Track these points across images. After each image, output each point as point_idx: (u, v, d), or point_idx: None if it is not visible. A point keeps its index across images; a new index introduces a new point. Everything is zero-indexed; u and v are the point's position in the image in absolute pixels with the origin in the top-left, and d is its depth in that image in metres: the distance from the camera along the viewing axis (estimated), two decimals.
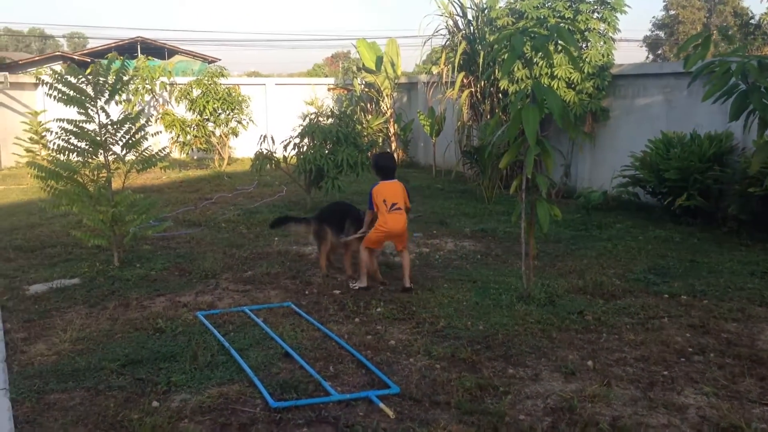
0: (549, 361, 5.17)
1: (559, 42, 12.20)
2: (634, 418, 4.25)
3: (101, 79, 7.65)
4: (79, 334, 5.76)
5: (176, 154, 17.33)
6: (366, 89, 18.73)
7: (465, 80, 14.47)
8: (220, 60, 38.15)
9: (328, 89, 19.85)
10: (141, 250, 8.65)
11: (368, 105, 19.15)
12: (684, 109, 11.70)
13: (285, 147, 11.45)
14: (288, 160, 11.60)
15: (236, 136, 17.14)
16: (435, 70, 21.14)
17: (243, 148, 19.32)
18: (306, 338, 5.68)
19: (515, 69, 13.02)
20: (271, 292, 7.11)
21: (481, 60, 13.85)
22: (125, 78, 7.99)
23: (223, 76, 17.04)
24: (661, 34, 65.85)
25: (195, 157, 18.84)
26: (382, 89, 18.23)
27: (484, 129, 12.90)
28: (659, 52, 64.41)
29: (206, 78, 16.56)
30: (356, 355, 5.25)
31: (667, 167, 10.52)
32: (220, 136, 17.13)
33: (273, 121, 20.23)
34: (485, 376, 4.88)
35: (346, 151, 10.75)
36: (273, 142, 11.32)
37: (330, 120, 11.80)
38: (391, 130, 18.20)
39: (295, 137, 11.38)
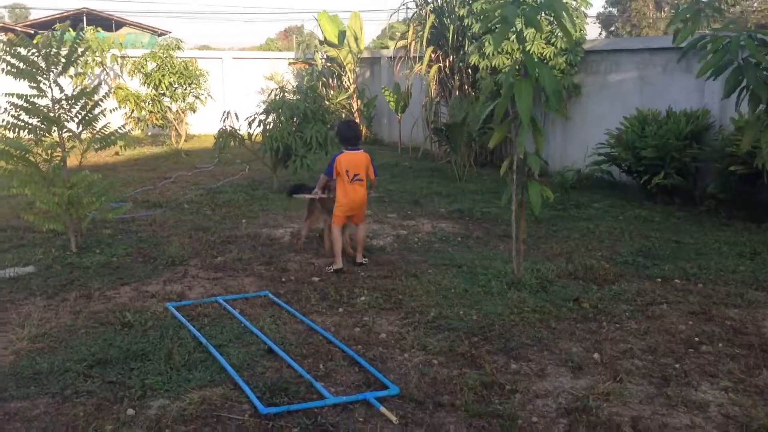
0: (552, 354, 4.85)
1: (544, 14, 11.92)
2: (656, 419, 3.95)
3: (54, 50, 7.03)
4: (38, 330, 5.23)
5: (131, 129, 16.56)
6: (328, 64, 18.17)
7: (433, 55, 14.03)
8: (170, 33, 37.02)
9: (289, 63, 19.22)
10: (100, 234, 8.07)
11: (329, 80, 18.59)
12: (658, 86, 11.48)
13: (249, 124, 10.91)
14: (253, 137, 11.06)
15: (194, 112, 16.46)
16: (392, 45, 20.71)
17: (199, 124, 18.63)
18: (289, 332, 5.26)
19: (485, 44, 12.66)
20: (244, 279, 6.65)
21: (450, 34, 13.43)
22: (80, 49, 7.37)
23: (179, 48, 16.28)
24: (614, 10, 66.19)
25: (149, 134, 18.07)
26: (345, 64, 17.68)
27: (454, 105, 12.52)
28: (612, 28, 64.76)
29: (161, 51, 15.80)
30: (348, 351, 4.85)
31: (644, 145, 10.29)
32: (177, 111, 16.43)
33: (231, 97, 19.54)
34: (488, 372, 4.53)
35: (315, 128, 10.27)
36: (237, 118, 10.76)
37: (296, 96, 11.27)
38: (354, 106, 17.70)
39: (260, 113, 10.84)
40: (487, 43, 12.59)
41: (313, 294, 6.17)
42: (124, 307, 5.74)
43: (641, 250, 7.58)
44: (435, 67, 13.83)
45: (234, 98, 19.52)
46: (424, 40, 13.71)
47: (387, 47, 20.23)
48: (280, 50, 33.73)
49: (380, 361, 4.74)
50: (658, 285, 6.39)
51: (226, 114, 10.71)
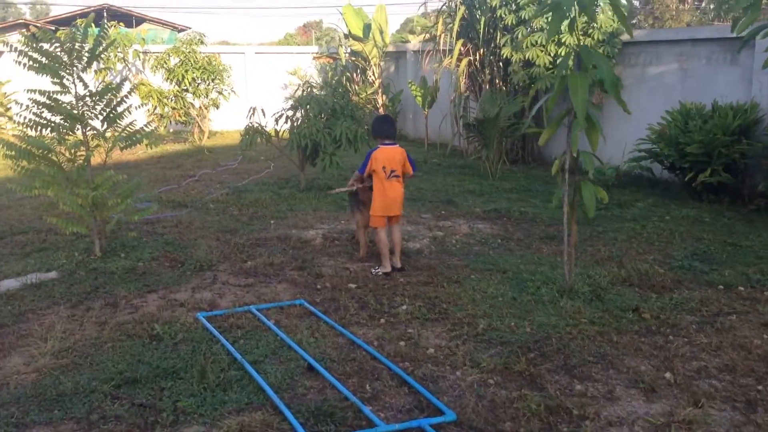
0: (619, 373, 4.43)
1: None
2: None
3: (78, 44, 6.69)
4: (61, 343, 4.90)
5: (152, 126, 16.26)
6: (353, 58, 17.76)
7: (462, 48, 13.58)
8: (190, 28, 36.78)
9: (313, 58, 18.84)
10: (125, 237, 7.74)
11: (354, 75, 18.19)
12: (701, 79, 10.98)
13: (276, 120, 10.54)
14: (280, 134, 10.69)
15: (217, 108, 16.13)
16: (413, 39, 20.25)
17: (222, 120, 18.32)
18: (330, 346, 4.88)
19: (518, 35, 12.20)
20: (277, 286, 6.28)
21: (481, 26, 12.97)
22: (104, 43, 7.03)
23: (202, 43, 15.95)
24: (636, 2, 65.17)
25: (171, 130, 17.77)
26: (370, 58, 17.28)
27: (486, 100, 12.08)
28: (634, 21, 63.80)
29: (184, 46, 15.47)
30: (396, 370, 4.46)
31: (688, 140, 9.81)
32: (200, 107, 16.10)
33: (253, 92, 19.20)
34: (551, 394, 4.13)
35: (344, 124, 9.88)
36: (263, 114, 10.39)
37: (323, 91, 10.89)
38: (380, 101, 17.29)
39: (287, 109, 10.46)
40: (520, 35, 12.15)
41: (351, 303, 5.79)
42: (152, 318, 5.39)
43: (696, 254, 7.13)
44: (465, 61, 13.39)
45: (257, 94, 19.16)
46: (454, 33, 13.26)
47: (407, 41, 19.79)
48: (299, 45, 33.38)
49: (431, 381, 4.35)
50: (721, 293, 5.94)
51: (252, 110, 10.35)
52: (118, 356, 4.70)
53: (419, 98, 15.84)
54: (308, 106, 9.98)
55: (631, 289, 6.04)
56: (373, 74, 17.52)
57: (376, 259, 7.03)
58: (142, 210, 7.30)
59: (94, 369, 4.51)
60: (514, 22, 12.23)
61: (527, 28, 12.24)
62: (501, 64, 13.37)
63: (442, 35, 13.94)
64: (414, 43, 18.55)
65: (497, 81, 13.43)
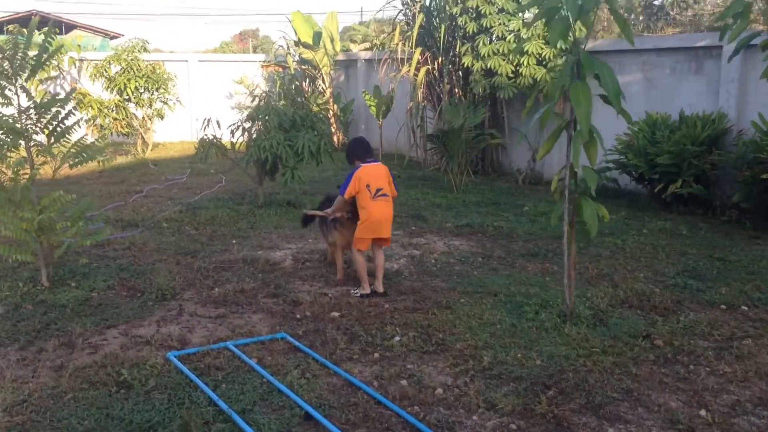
0: (650, 412, 4.04)
1: None
2: None
3: (21, 52, 6.01)
4: (14, 396, 4.24)
5: (91, 138, 15.36)
6: (303, 67, 17.21)
7: (421, 57, 13.20)
8: (122, 35, 35.54)
9: (262, 66, 18.19)
10: (74, 263, 7.03)
11: (303, 84, 17.64)
12: (666, 89, 10.84)
13: (232, 132, 9.93)
14: (236, 147, 10.07)
15: (162, 119, 15.36)
16: (354, 48, 19.81)
17: (164, 131, 17.48)
18: (325, 389, 4.36)
19: (479, 44, 11.88)
20: (252, 316, 5.72)
21: (441, 35, 12.61)
22: (50, 50, 6.36)
23: (145, 50, 15.16)
24: None
25: (110, 142, 16.85)
26: (320, 67, 16.76)
27: (449, 110, 11.70)
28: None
29: (126, 53, 14.66)
30: (407, 417, 3.96)
31: (658, 151, 9.62)
32: (143, 118, 15.30)
33: (197, 102, 18.44)
34: None
35: (306, 136, 9.34)
36: (219, 126, 9.77)
37: (282, 101, 10.34)
38: (331, 111, 16.78)
39: (244, 121, 9.87)
40: (481, 44, 11.82)
41: (338, 334, 5.27)
42: (117, 360, 4.76)
43: (686, 270, 6.86)
44: (423, 70, 13.00)
45: (201, 104, 18.45)
46: (414, 41, 12.86)
47: (348, 50, 19.33)
48: (235, 53, 32.54)
49: (447, 428, 3.87)
50: (727, 314, 5.64)
51: (206, 122, 9.72)
52: (83, 410, 4.07)
53: (373, 108, 15.38)
54: (267, 118, 9.40)
55: (632, 312, 5.69)
56: (324, 83, 17.00)
57: (354, 281, 6.54)
58: (93, 233, 6.62)
59: (55, 428, 3.88)
60: (475, 30, 11.90)
61: (489, 37, 11.93)
62: (460, 73, 13.04)
63: (399, 44, 13.51)
64: (365, 51, 18.13)
65: (456, 91, 13.09)
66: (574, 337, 5.09)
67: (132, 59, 14.45)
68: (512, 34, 11.68)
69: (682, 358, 4.78)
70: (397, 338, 5.17)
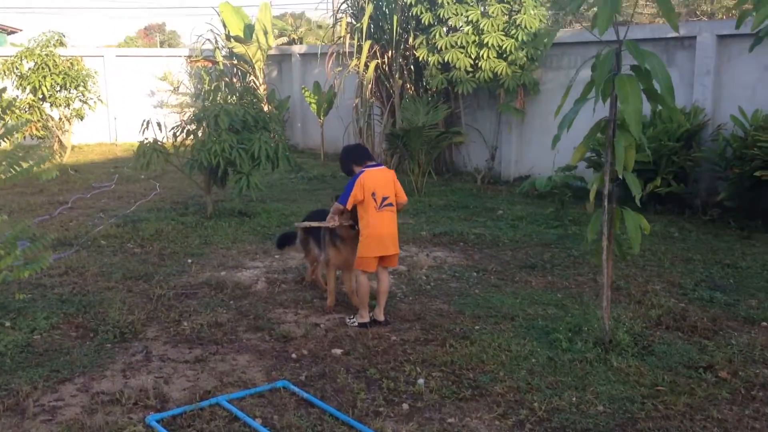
0: None
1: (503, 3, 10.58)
2: None
3: None
4: None
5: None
6: (234, 62, 16.08)
7: (369, 50, 12.35)
8: (21, 30, 33.19)
9: (191, 61, 16.92)
10: (5, 298, 5.87)
11: (233, 79, 16.52)
12: None
13: (175, 135, 8.86)
14: (180, 151, 8.97)
15: (81, 119, 13.96)
16: (281, 42, 18.80)
17: (80, 133, 16.00)
18: None
19: (436, 35, 11.13)
20: (237, 358, 4.78)
21: (394, 26, 11.80)
22: None
23: (62, 45, 13.73)
24: None
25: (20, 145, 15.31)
26: (253, 62, 15.68)
27: (408, 108, 10.93)
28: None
29: (39, 48, 13.21)
30: None
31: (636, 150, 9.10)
32: (60, 119, 13.88)
33: (115, 101, 17.04)
34: None
35: (262, 138, 8.37)
36: (160, 128, 8.68)
37: (231, 99, 9.33)
38: (265, 108, 15.71)
39: (189, 122, 8.81)
40: (438, 35, 11.08)
41: (351, 379, 4.41)
42: (83, 431, 3.76)
43: (703, 281, 6.31)
44: (373, 64, 12.15)
45: (120, 102, 17.09)
46: (364, 32, 11.98)
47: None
48: (139, 48, 30.84)
49: None
50: None
51: (146, 123, 8.61)
52: None
53: (314, 105, 14.46)
54: (217, 118, 8.37)
55: (673, 335, 5.04)
56: (257, 79, 15.94)
57: (346, 306, 5.68)
58: (32, 261, 5.49)
59: None
60: (431, 21, 11.14)
61: (446, 28, 11.21)
62: (412, 67, 12.28)
63: (347, 36, 12.61)
64: (300, 46, 17.17)
65: (408, 86, 12.32)
66: (626, 371, 4.40)
67: (47, 54, 13.02)
68: (470, 26, 10.98)
69: (758, 393, 4.15)
70: (421, 380, 4.36)
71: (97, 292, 6.10)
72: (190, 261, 7.11)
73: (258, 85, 15.88)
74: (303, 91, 14.64)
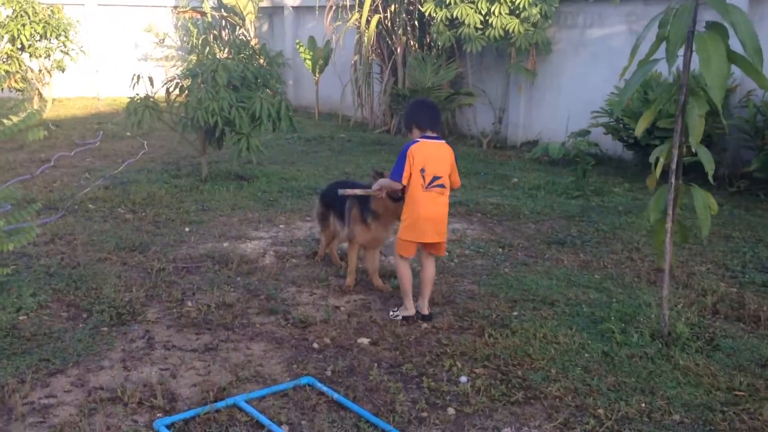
0: None
1: None
2: None
3: None
4: None
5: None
6: (224, 14, 15.24)
7: (371, 4, 11.64)
8: None
9: (178, 12, 16.01)
10: None
11: (222, 33, 15.71)
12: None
13: (168, 91, 8.18)
14: (172, 108, 8.30)
15: (63, 72, 13.13)
16: None
17: (61, 86, 15.15)
18: None
19: None
20: (252, 347, 4.23)
21: None
22: None
23: None
24: None
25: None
26: (245, 14, 14.87)
27: (416, 66, 10.28)
28: None
29: None
30: None
31: (657, 114, 8.55)
32: (40, 71, 13.06)
33: (97, 53, 16.15)
34: None
35: (264, 96, 7.73)
36: (152, 84, 7.99)
37: (224, 53, 8.65)
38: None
39: (183, 77, 8.13)
40: None
41: (384, 375, 3.88)
42: None
43: (750, 261, 5.84)
44: (375, 18, 11.46)
45: (102, 54, 16.25)
46: None
47: None
48: None
49: None
50: None
51: (136, 78, 7.91)
52: None
53: (309, 62, 13.74)
54: (214, 74, 7.70)
55: (734, 326, 4.56)
56: (248, 33, 15.14)
57: (365, 287, 5.15)
58: (19, 233, 4.87)
59: None
60: None
61: None
62: (416, 23, 11.60)
63: None
64: None
65: (412, 43, 11.65)
66: (695, 371, 3.90)
67: (26, 1, 12.15)
68: None
69: None
70: (463, 378, 3.84)
71: (89, 264, 5.51)
72: (188, 230, 6.52)
73: (249, 38, 15.07)
74: (298, 46, 13.89)
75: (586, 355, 4.12)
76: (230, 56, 8.75)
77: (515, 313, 4.72)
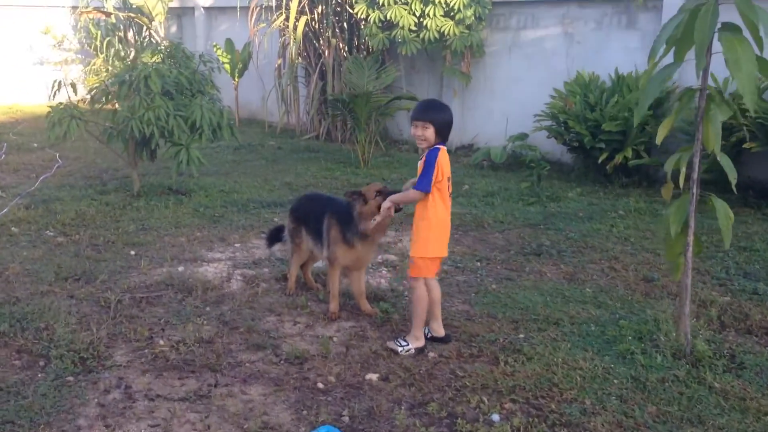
0: None
1: None
2: None
3: None
4: None
5: None
6: (129, 15, 14.30)
7: (298, 5, 11.14)
8: None
9: (80, 13, 14.90)
10: None
11: (127, 35, 14.76)
12: (591, 45, 9.75)
13: (92, 99, 7.45)
14: (96, 116, 7.57)
15: None
16: None
17: None
18: None
19: None
20: (249, 391, 3.73)
21: None
22: None
23: None
24: None
25: None
26: (153, 15, 14.02)
27: (353, 69, 9.87)
28: None
29: None
30: None
31: (598, 118, 8.54)
32: None
33: None
34: None
35: (205, 105, 7.14)
36: (75, 91, 7.24)
37: (156, 57, 7.99)
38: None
39: (113, 84, 7.42)
40: None
41: (410, 419, 3.47)
42: None
43: (731, 267, 5.76)
44: (303, 20, 10.96)
45: None
46: None
47: None
48: None
49: None
50: None
51: (57, 85, 7.14)
52: None
53: (227, 65, 13.07)
54: (147, 80, 7.04)
55: (750, 341, 4.41)
56: (157, 35, 14.29)
57: (351, 311, 4.73)
58: None
59: None
60: None
61: None
62: (345, 25, 11.18)
63: None
64: None
65: (341, 45, 11.22)
66: (732, 393, 3.70)
67: None
68: None
69: None
70: (495, 417, 3.49)
71: (30, 299, 4.82)
72: (133, 253, 5.88)
73: (159, 41, 14.23)
74: (215, 48, 13.18)
75: (615, 381, 3.85)
76: (167, 60, 8.01)
77: (522, 336, 4.41)
